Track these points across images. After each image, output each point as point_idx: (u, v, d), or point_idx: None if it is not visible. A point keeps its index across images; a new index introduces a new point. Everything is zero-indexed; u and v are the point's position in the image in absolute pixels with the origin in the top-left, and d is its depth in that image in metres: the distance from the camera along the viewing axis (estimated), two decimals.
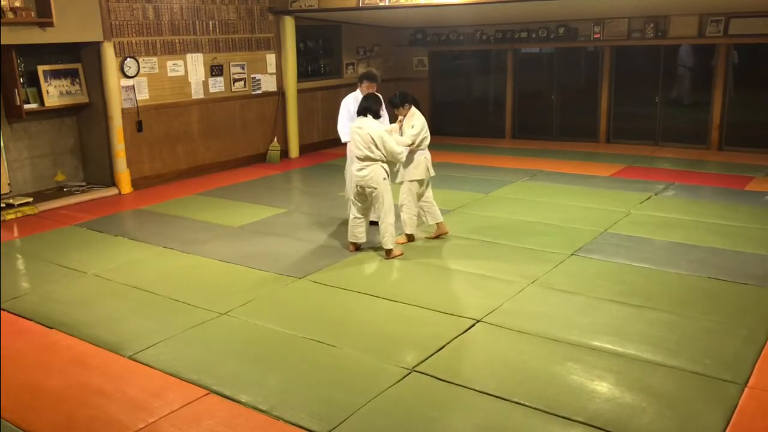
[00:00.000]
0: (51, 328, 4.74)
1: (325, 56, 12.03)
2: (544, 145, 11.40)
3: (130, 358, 4.26)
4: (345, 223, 7.19)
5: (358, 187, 5.95)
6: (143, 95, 9.00)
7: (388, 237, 5.91)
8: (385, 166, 5.93)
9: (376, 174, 5.84)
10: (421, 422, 3.47)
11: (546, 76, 12.20)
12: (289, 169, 10.25)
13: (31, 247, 6.67)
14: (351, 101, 6.94)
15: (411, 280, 5.48)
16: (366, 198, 5.99)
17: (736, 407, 3.53)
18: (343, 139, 6.97)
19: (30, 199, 8.08)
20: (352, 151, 6.12)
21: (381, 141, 5.80)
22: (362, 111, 5.96)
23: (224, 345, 4.41)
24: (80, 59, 8.66)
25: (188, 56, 9.51)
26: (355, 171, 5.98)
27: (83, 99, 8.66)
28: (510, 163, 10.04)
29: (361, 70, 12.23)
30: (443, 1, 9.30)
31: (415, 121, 6.23)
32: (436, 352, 4.20)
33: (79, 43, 8.36)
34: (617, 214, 7.10)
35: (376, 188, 5.86)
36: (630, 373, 3.89)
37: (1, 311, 5.03)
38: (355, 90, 7.03)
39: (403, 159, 6.05)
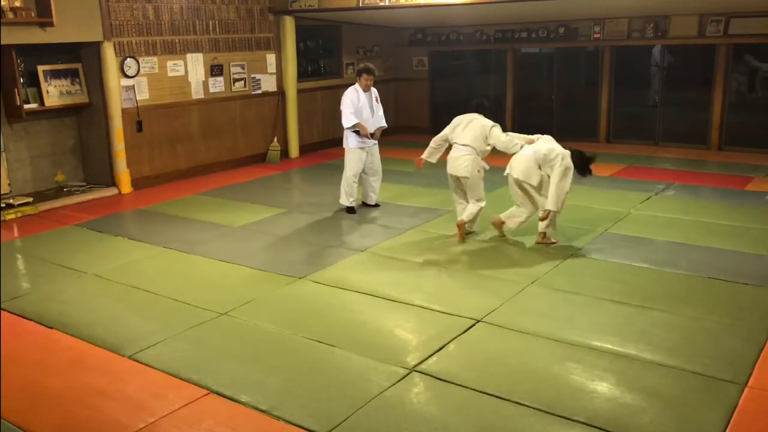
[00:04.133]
0: (51, 328, 4.74)
1: (325, 56, 12.03)
2: None
3: (130, 358, 4.26)
4: (344, 222, 7.20)
5: (452, 177, 6.33)
6: (143, 95, 9.00)
7: (473, 216, 6.33)
8: (480, 159, 6.25)
9: (471, 164, 6.18)
10: (421, 422, 3.47)
11: (546, 76, 12.20)
12: (289, 169, 10.25)
13: (31, 247, 6.67)
14: (354, 94, 7.27)
15: (411, 280, 5.47)
16: (461, 185, 6.35)
17: (736, 407, 3.52)
18: (348, 125, 7.24)
19: (30, 199, 8.08)
20: (452, 138, 6.38)
21: (491, 132, 6.17)
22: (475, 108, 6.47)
23: (224, 345, 4.41)
24: (80, 59, 8.66)
25: (188, 56, 9.51)
26: (451, 154, 6.32)
27: (83, 99, 8.65)
28: None
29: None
30: (443, 1, 9.30)
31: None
32: (436, 352, 4.20)
33: (79, 43, 8.35)
34: (617, 214, 7.10)
35: (468, 177, 6.19)
36: (630, 373, 3.89)
37: (1, 311, 5.03)
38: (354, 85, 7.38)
39: (517, 150, 6.16)
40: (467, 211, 6.35)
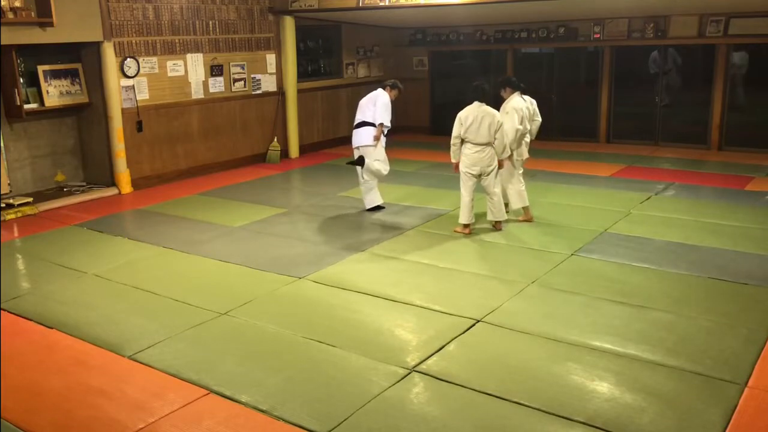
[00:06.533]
0: (51, 328, 4.74)
1: (325, 56, 12.04)
2: (544, 145, 11.36)
3: (130, 358, 4.26)
4: (344, 222, 7.20)
5: (474, 170, 6.49)
6: (143, 95, 9.00)
7: (503, 211, 6.75)
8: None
9: (492, 154, 6.49)
10: (421, 422, 3.47)
11: (546, 76, 12.20)
12: (289, 169, 10.25)
13: (31, 247, 6.67)
14: (389, 99, 7.47)
15: (411, 280, 5.47)
16: (479, 178, 6.56)
17: (736, 407, 3.53)
18: (389, 126, 7.49)
19: (30, 199, 8.08)
20: (467, 137, 6.46)
21: (500, 128, 6.41)
22: (481, 94, 6.45)
23: (224, 345, 4.41)
24: (80, 59, 8.66)
25: (188, 56, 9.51)
26: (473, 153, 6.45)
27: (83, 99, 8.66)
28: None
29: (362, 70, 12.39)
30: (443, 1, 9.30)
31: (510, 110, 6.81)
32: (436, 352, 4.20)
33: (79, 43, 8.36)
34: (617, 214, 7.10)
35: (495, 166, 6.53)
36: (630, 373, 3.89)
37: (1, 311, 5.03)
38: (365, 89, 7.67)
39: (508, 151, 6.61)
40: (499, 204, 6.68)
